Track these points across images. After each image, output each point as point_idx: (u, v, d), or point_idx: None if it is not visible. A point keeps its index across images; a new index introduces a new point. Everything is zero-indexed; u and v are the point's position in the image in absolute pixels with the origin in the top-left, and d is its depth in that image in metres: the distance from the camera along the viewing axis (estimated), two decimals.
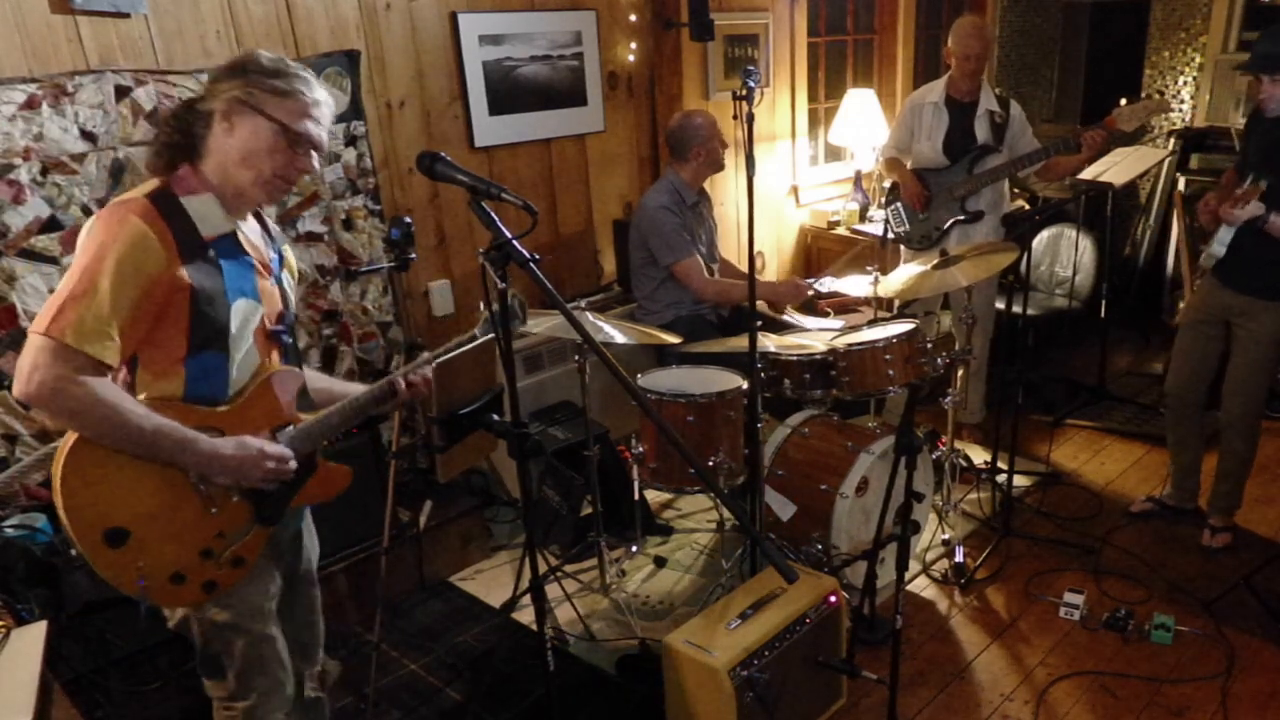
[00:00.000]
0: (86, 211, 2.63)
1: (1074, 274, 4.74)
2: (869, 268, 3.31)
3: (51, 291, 1.74)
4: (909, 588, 3.08)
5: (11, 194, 2.53)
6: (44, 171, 2.57)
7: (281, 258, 1.84)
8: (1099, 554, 3.21)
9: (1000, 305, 3.60)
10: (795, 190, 4.87)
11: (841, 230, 4.78)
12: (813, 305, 4.10)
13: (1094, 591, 2.99)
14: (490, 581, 3.25)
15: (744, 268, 3.28)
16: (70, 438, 1.53)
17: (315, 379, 1.92)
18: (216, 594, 1.71)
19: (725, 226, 4.24)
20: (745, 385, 2.77)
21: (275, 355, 1.78)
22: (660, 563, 3.29)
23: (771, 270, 4.86)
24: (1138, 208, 5.42)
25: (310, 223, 3.16)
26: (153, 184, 1.61)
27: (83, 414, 1.49)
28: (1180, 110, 5.42)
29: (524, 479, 1.92)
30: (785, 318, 3.90)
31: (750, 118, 2.37)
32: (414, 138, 3.42)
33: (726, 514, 3.43)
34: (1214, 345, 3.12)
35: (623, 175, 4.18)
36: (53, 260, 2.61)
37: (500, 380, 2.94)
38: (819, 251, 4.91)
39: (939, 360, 2.97)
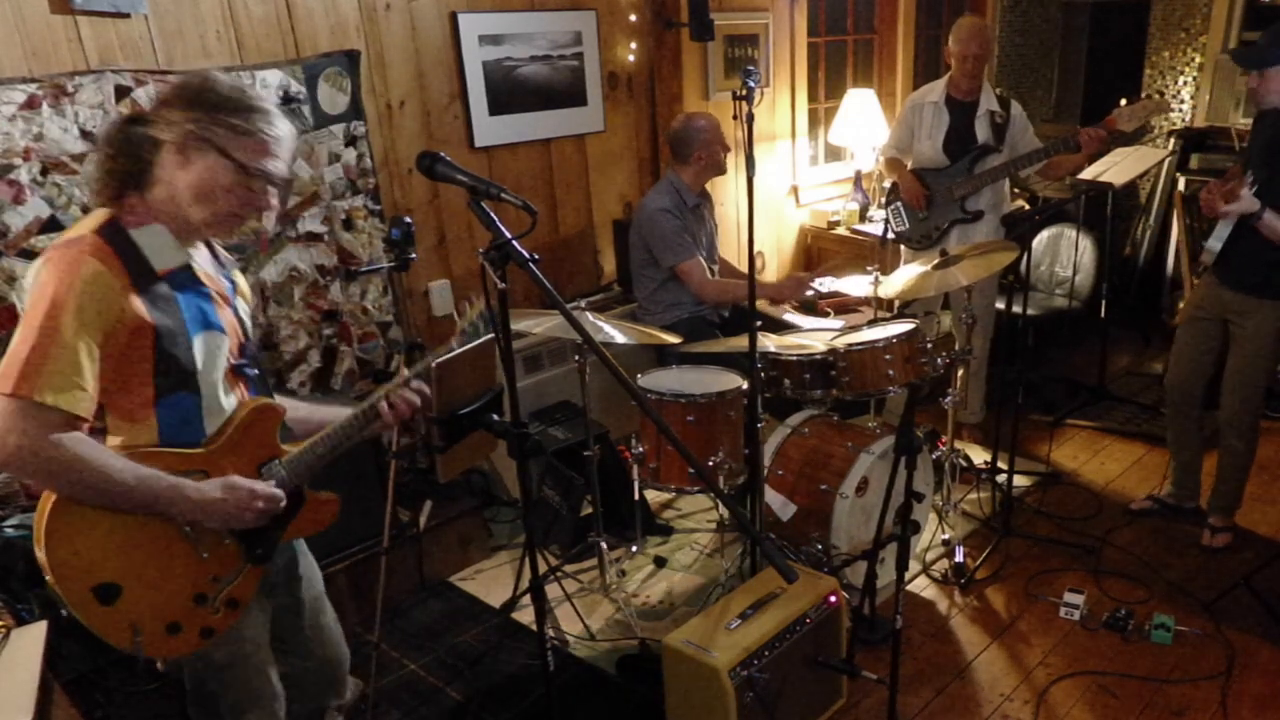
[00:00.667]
0: (86, 212, 2.62)
1: (1074, 274, 4.74)
2: (869, 268, 3.31)
3: None
4: (909, 588, 3.08)
5: (11, 194, 2.53)
6: (44, 171, 2.57)
7: (234, 284, 1.76)
8: (1099, 554, 3.20)
9: (1000, 305, 3.60)
10: (795, 190, 4.87)
11: (841, 230, 4.78)
12: (813, 305, 4.10)
13: (1094, 591, 2.99)
14: (490, 581, 3.25)
15: (743, 268, 3.28)
16: (49, 496, 1.46)
17: (294, 407, 1.85)
18: (214, 639, 1.66)
19: (725, 226, 4.24)
20: (745, 385, 2.77)
21: (242, 389, 1.70)
22: (660, 563, 3.29)
23: (771, 270, 4.86)
24: (1138, 208, 5.42)
25: (310, 223, 3.16)
26: (100, 217, 1.52)
27: (63, 474, 1.42)
28: (1180, 110, 5.42)
29: (524, 479, 1.92)
30: (785, 317, 3.90)
31: (750, 118, 2.37)
32: (414, 138, 3.42)
33: (726, 514, 3.43)
34: (1212, 342, 3.12)
35: (623, 175, 4.18)
36: None
37: (500, 380, 2.93)
38: (819, 251, 4.91)
39: (939, 360, 2.97)
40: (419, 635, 2.97)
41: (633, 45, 4.03)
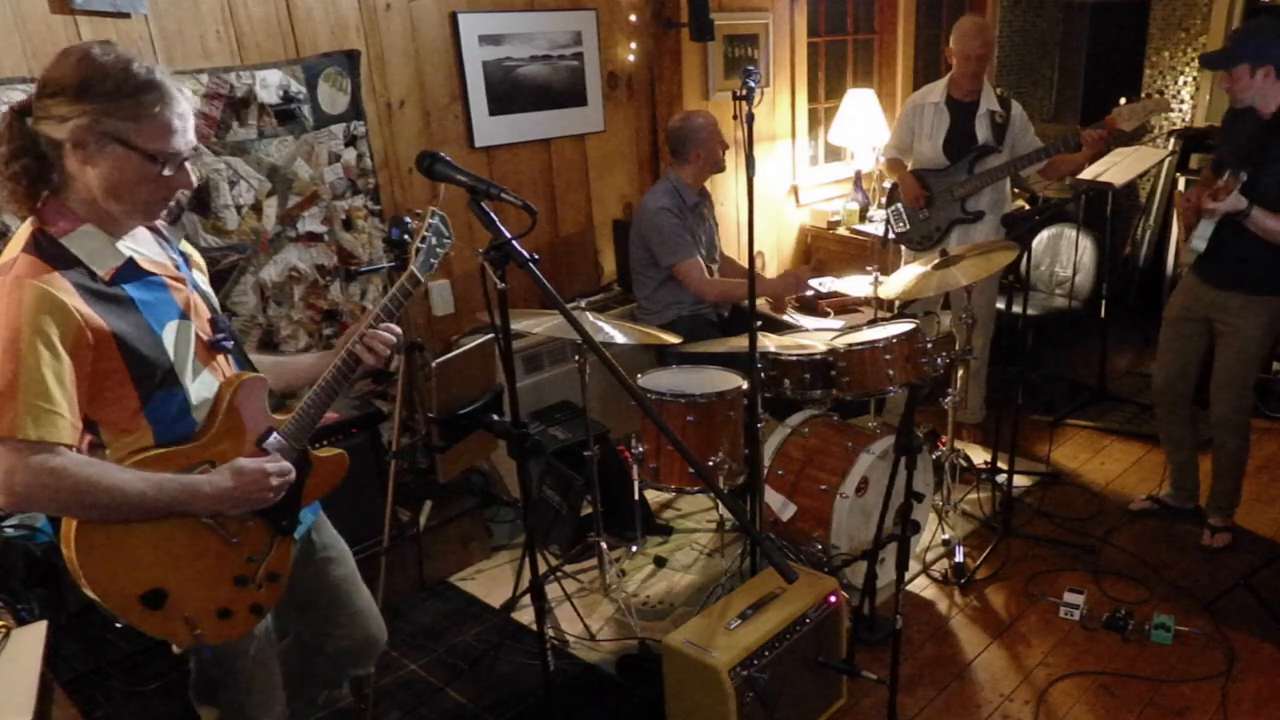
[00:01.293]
0: None
1: (1074, 274, 4.74)
2: (869, 267, 3.31)
3: None
4: (909, 588, 3.08)
5: None
6: None
7: (185, 257, 1.70)
8: (1099, 554, 3.20)
9: (1000, 305, 3.60)
10: (795, 190, 4.86)
11: (842, 230, 4.79)
12: (813, 305, 4.10)
13: (1094, 591, 2.99)
14: (490, 581, 3.25)
15: (745, 266, 3.28)
16: (69, 523, 1.46)
17: (264, 366, 1.81)
18: (265, 614, 1.71)
19: (725, 226, 4.24)
20: (745, 385, 2.77)
21: (224, 364, 1.68)
22: (660, 563, 3.29)
23: (772, 269, 4.85)
24: (1138, 208, 5.42)
25: (310, 223, 3.16)
26: (25, 233, 1.45)
27: (75, 500, 1.41)
28: (1180, 110, 5.42)
29: (524, 479, 1.92)
30: (785, 317, 3.90)
31: (750, 118, 2.37)
32: (414, 138, 3.42)
33: (726, 514, 3.43)
34: (1197, 341, 3.12)
35: (622, 175, 4.18)
36: None
37: (500, 380, 2.94)
38: (819, 251, 4.91)
39: (939, 360, 2.97)
40: (419, 635, 2.97)
41: (633, 45, 4.03)
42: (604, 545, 3.06)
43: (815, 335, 3.31)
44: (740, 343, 2.77)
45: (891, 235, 3.95)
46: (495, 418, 1.96)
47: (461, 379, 2.85)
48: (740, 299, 3.31)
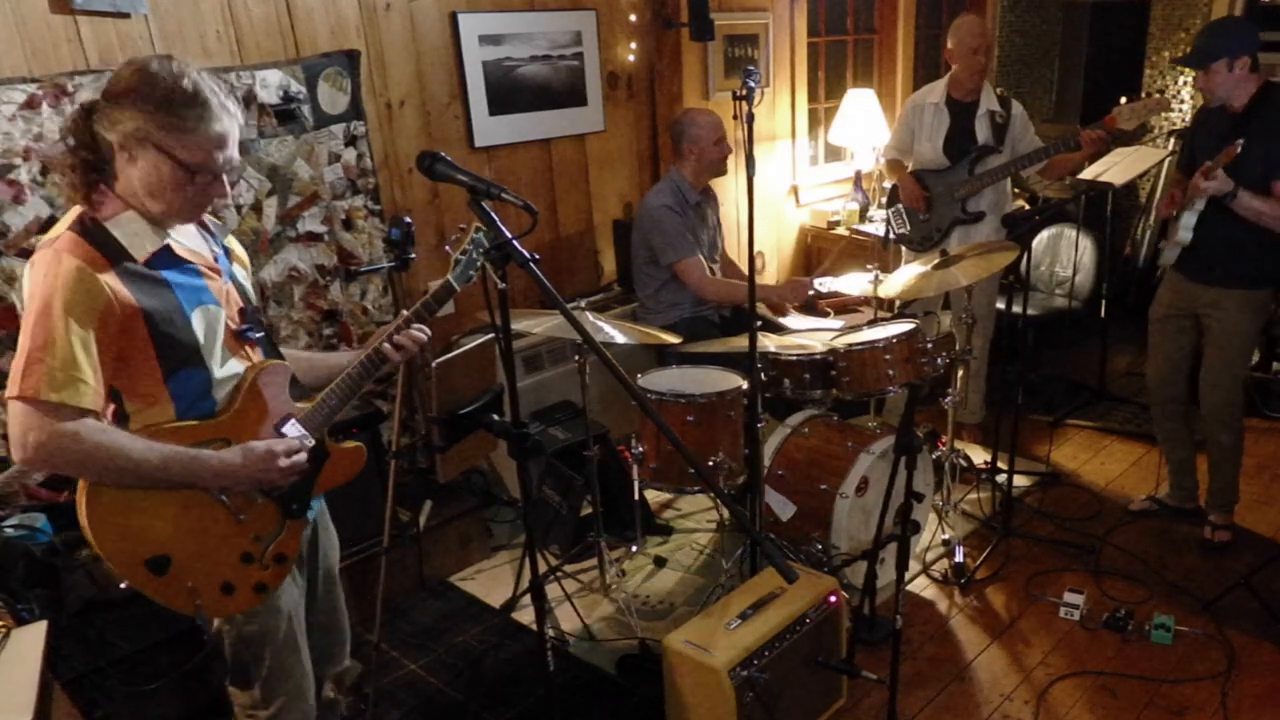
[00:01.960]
0: None
1: (1074, 274, 4.74)
2: (869, 267, 3.31)
3: None
4: (909, 588, 3.08)
5: (11, 194, 2.53)
6: (44, 171, 2.57)
7: (228, 251, 1.80)
8: (1099, 554, 3.20)
9: (1000, 305, 3.60)
10: (795, 190, 4.86)
11: (842, 230, 4.78)
12: (813, 305, 4.10)
13: (1094, 591, 2.99)
14: (490, 581, 3.25)
15: (745, 267, 3.28)
16: (84, 484, 1.53)
17: (297, 360, 1.89)
18: (269, 594, 1.74)
19: (726, 226, 4.23)
20: (745, 385, 2.77)
21: (251, 353, 1.75)
22: (660, 563, 3.29)
23: (771, 270, 4.86)
24: (1138, 208, 5.43)
25: (310, 223, 3.16)
26: (73, 214, 1.57)
27: (87, 462, 1.49)
28: (1180, 110, 5.42)
29: (524, 479, 1.92)
30: (786, 321, 3.90)
31: (750, 118, 2.37)
32: (414, 138, 3.42)
33: (726, 514, 3.43)
34: (1185, 338, 3.13)
35: (623, 175, 4.18)
36: None
37: (500, 380, 2.93)
38: (819, 251, 4.91)
39: (939, 360, 2.97)
40: (419, 635, 2.97)
41: (633, 45, 4.03)
42: (604, 545, 3.06)
43: (815, 335, 3.31)
44: (740, 343, 2.77)
45: (892, 236, 3.96)
46: (495, 418, 1.96)
47: (462, 379, 2.85)
48: (740, 300, 3.31)
